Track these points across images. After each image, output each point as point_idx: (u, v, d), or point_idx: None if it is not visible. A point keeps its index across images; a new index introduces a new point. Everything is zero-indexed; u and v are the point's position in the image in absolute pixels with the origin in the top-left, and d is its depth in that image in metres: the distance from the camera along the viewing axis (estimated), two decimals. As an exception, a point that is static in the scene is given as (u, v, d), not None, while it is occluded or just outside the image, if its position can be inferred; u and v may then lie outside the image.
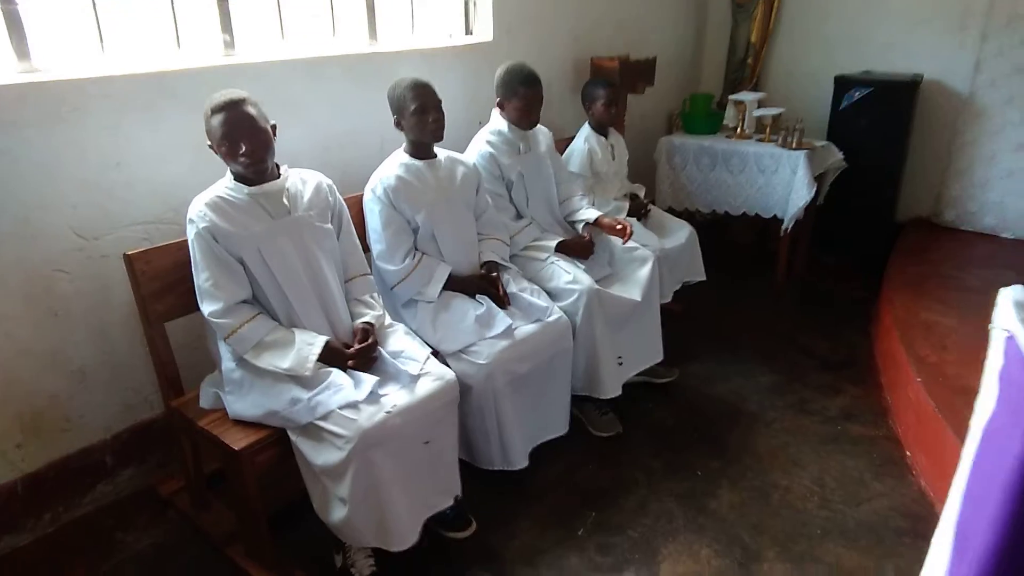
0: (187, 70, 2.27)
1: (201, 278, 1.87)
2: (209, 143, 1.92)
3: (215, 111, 1.84)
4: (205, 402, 2.02)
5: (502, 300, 2.42)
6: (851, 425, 2.84)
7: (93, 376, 2.25)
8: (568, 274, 2.63)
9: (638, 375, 2.89)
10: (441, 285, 2.38)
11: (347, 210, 2.21)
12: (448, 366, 2.20)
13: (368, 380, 1.86)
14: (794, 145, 3.81)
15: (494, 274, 2.49)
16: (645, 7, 4.21)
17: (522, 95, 2.67)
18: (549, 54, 3.53)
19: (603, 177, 3.33)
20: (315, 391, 1.80)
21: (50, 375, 2.15)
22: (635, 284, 2.81)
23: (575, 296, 2.58)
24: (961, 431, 2.45)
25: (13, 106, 1.92)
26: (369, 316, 2.09)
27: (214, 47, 2.45)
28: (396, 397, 1.87)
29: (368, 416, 1.77)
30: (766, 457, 2.64)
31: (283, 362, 1.84)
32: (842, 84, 4.11)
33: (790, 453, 2.66)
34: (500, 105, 2.76)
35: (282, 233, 1.96)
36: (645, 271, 2.84)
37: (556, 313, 2.48)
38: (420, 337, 2.26)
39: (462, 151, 2.70)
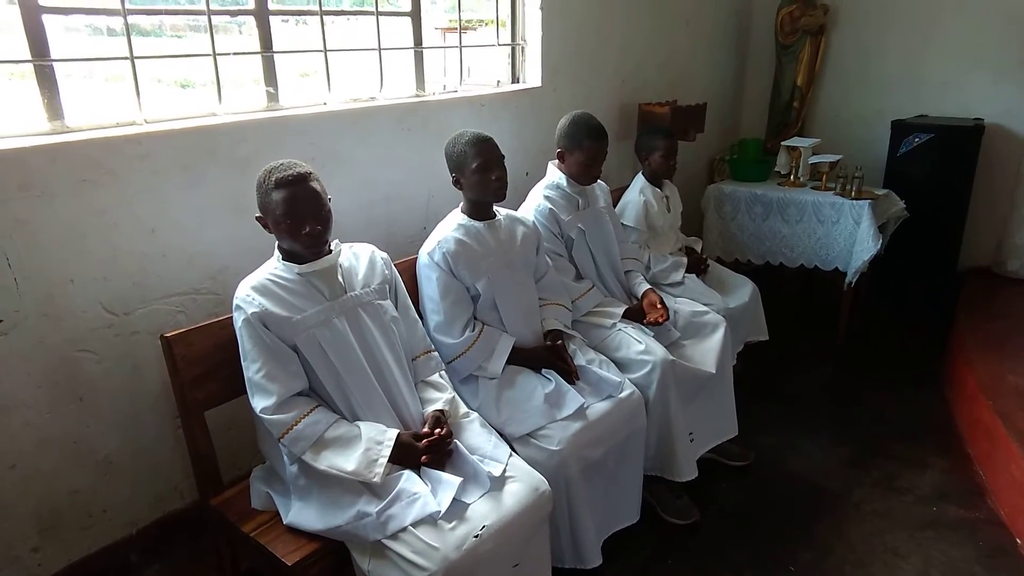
0: (228, 124, 2.08)
1: (252, 369, 1.64)
2: (260, 216, 1.70)
3: (279, 185, 1.64)
4: (257, 502, 1.77)
5: (571, 374, 2.18)
6: (947, 506, 2.56)
7: (119, 466, 2.01)
8: (639, 343, 2.40)
9: (708, 452, 2.63)
10: (505, 359, 2.15)
11: (402, 282, 1.99)
12: (516, 452, 1.96)
13: (448, 485, 1.60)
14: (854, 194, 3.60)
15: (560, 342, 2.26)
16: (686, 49, 4.05)
17: (587, 148, 2.47)
18: (597, 99, 3.35)
19: (659, 231, 3.11)
20: (385, 502, 1.55)
21: (72, 467, 1.92)
22: (707, 353, 2.57)
23: (648, 368, 2.34)
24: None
25: (42, 170, 1.72)
26: (440, 402, 1.84)
27: (257, 100, 2.26)
28: (484, 511, 1.61)
29: (454, 542, 1.51)
30: (860, 546, 2.36)
31: (347, 464, 1.60)
32: (900, 129, 3.91)
33: (886, 541, 2.39)
34: (560, 157, 2.56)
35: (339, 315, 1.73)
36: (717, 338, 2.60)
37: (629, 388, 2.24)
38: (483, 418, 2.02)
39: (511, 206, 2.49)
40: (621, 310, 2.52)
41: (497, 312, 2.20)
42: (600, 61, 3.39)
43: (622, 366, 2.37)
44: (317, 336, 1.69)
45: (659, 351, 2.37)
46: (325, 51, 2.39)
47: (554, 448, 1.98)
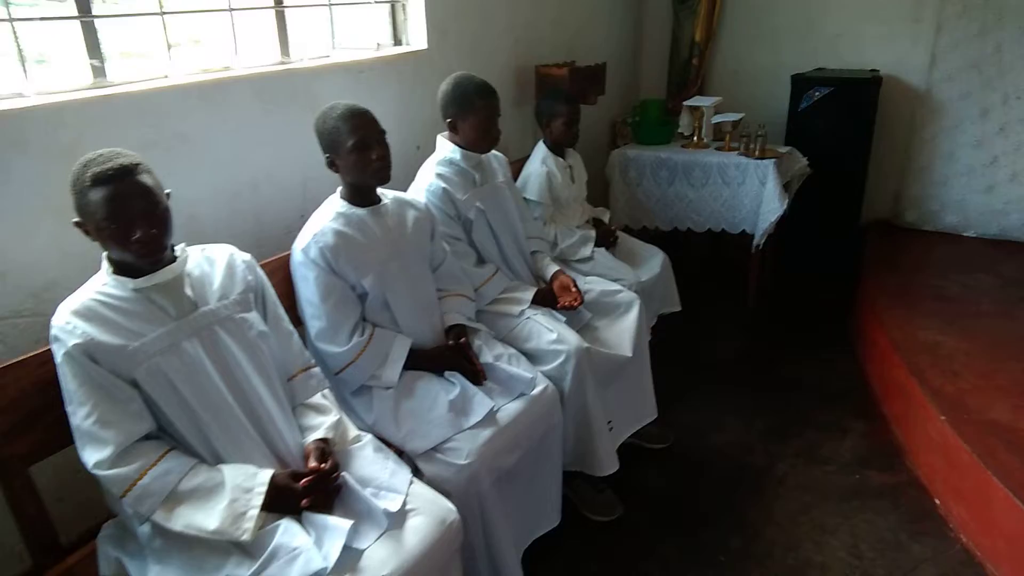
0: (42, 107, 1.68)
1: (79, 416, 1.31)
2: (79, 221, 1.36)
3: (97, 182, 1.29)
4: (107, 569, 1.45)
5: (477, 374, 1.95)
6: (869, 472, 2.53)
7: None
8: (551, 332, 2.18)
9: (628, 437, 2.48)
10: (401, 364, 1.88)
11: (271, 288, 1.68)
12: (419, 471, 1.72)
13: (336, 532, 1.33)
14: (758, 153, 3.51)
15: (464, 340, 2.02)
16: (582, 5, 3.81)
17: (480, 108, 2.21)
18: (490, 61, 3.07)
19: (564, 203, 2.90)
20: (259, 564, 1.27)
21: None
22: (622, 334, 2.39)
23: (562, 358, 2.13)
24: (1005, 477, 2.18)
25: None
26: (323, 428, 1.56)
27: (79, 75, 1.86)
28: (382, 557, 1.35)
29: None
30: (789, 525, 2.28)
31: (209, 521, 1.30)
32: (800, 83, 3.85)
33: (814, 517, 2.31)
34: (451, 126, 2.29)
35: (189, 336, 1.42)
36: (632, 318, 2.43)
37: (542, 382, 2.03)
38: (379, 434, 1.77)
39: (399, 186, 2.21)
40: (530, 295, 2.30)
41: (389, 311, 1.93)
42: (491, 19, 3.10)
43: (533, 358, 2.15)
44: (162, 366, 1.37)
45: (573, 339, 2.16)
46: (162, 13, 2.00)
47: (463, 462, 1.75)
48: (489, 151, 2.38)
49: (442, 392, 1.87)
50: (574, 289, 2.36)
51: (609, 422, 2.31)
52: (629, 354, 2.35)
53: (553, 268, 2.47)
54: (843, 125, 3.82)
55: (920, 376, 2.63)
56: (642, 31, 4.56)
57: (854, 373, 3.17)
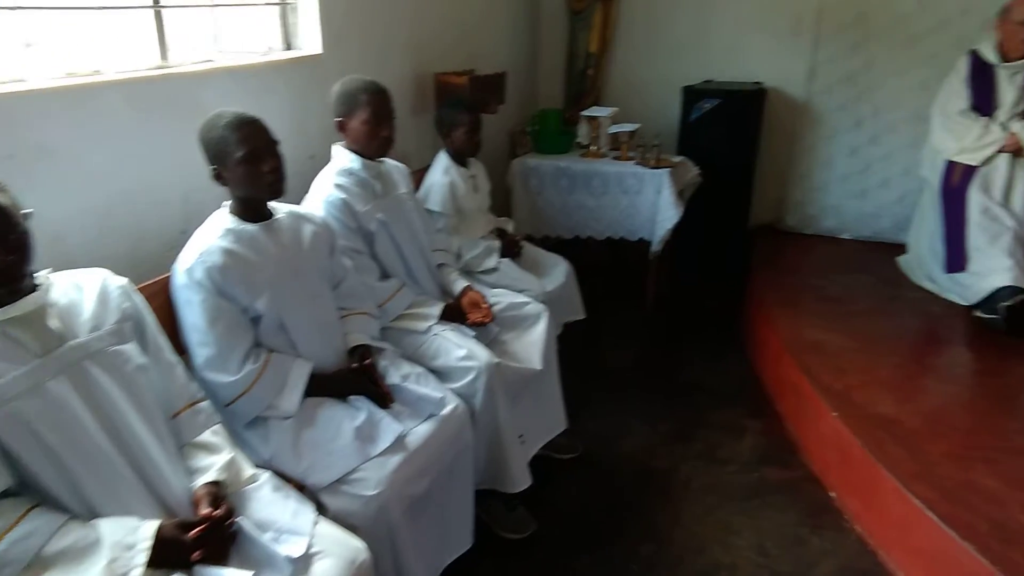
0: None
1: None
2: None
3: None
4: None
5: (384, 397, 1.86)
6: (768, 469, 2.62)
7: None
8: (460, 348, 2.12)
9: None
10: (301, 391, 1.76)
11: (150, 314, 1.53)
12: (324, 506, 1.61)
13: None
14: (653, 163, 3.60)
15: (368, 361, 1.92)
16: (481, 13, 3.78)
17: (366, 103, 2.14)
18: (388, 68, 2.97)
19: (467, 214, 2.85)
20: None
21: None
22: (531, 347, 2.37)
23: (472, 375, 2.07)
24: (893, 468, 2.31)
25: None
26: (214, 469, 1.42)
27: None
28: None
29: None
30: (697, 528, 2.32)
31: None
32: (690, 95, 3.99)
33: (720, 517, 2.37)
34: (341, 126, 2.19)
35: (55, 375, 1.25)
36: (540, 330, 2.41)
37: (452, 401, 1.96)
38: (278, 468, 1.65)
39: (293, 198, 2.09)
40: (437, 310, 2.23)
41: (286, 334, 1.80)
42: (390, 25, 3.01)
43: (442, 375, 2.08)
44: (22, 411, 1.20)
45: (483, 355, 2.11)
46: (18, 8, 1.78)
47: (371, 493, 1.65)
48: (382, 155, 2.28)
49: (346, 419, 1.76)
50: (484, 305, 2.31)
51: (521, 436, 2.28)
52: (539, 367, 2.33)
53: (461, 283, 2.41)
54: (731, 135, 3.98)
55: (809, 374, 2.76)
56: (539, 41, 4.58)
57: (748, 373, 3.29)
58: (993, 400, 2.66)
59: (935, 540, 2.00)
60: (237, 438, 1.69)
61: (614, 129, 3.78)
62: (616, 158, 3.74)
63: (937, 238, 3.39)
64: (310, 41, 2.65)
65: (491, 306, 2.33)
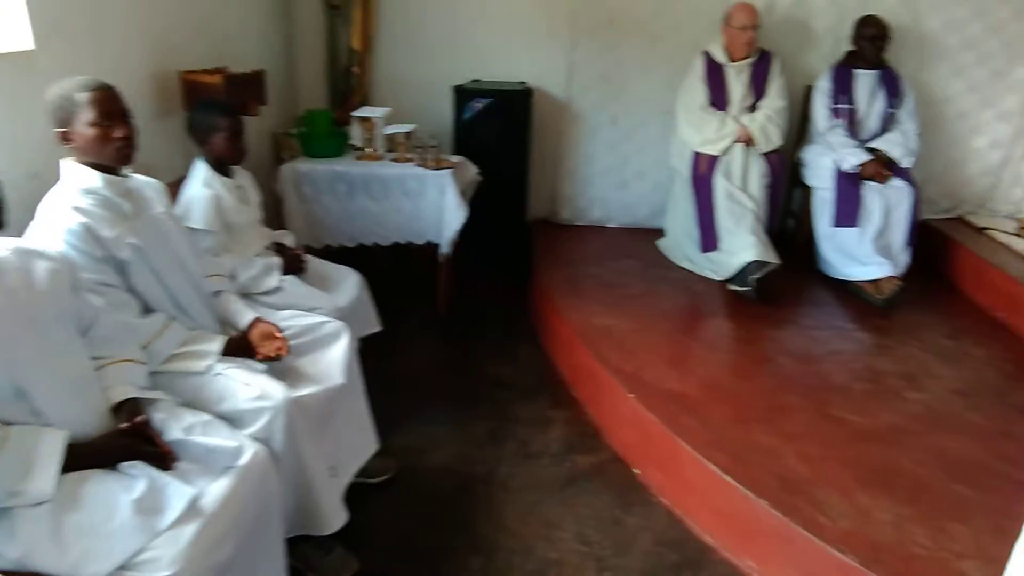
0: None
1: None
2: None
3: None
4: None
5: (165, 458, 1.56)
6: (577, 457, 2.69)
7: None
8: (249, 387, 1.86)
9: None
10: (56, 468, 1.41)
11: None
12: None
13: None
14: (433, 164, 3.53)
15: (140, 418, 1.60)
16: (226, 6, 3.41)
17: (88, 102, 1.77)
18: (121, 67, 2.53)
19: (238, 229, 2.56)
20: None
21: None
22: (332, 365, 2.17)
23: (267, 417, 1.82)
24: (689, 438, 2.48)
25: None
26: None
27: None
28: None
29: None
30: (520, 529, 2.30)
31: None
32: (461, 94, 3.97)
33: (540, 514, 2.38)
34: (64, 137, 1.81)
35: None
36: (341, 347, 2.22)
37: (249, 448, 1.71)
38: (34, 568, 1.31)
39: (17, 231, 1.69)
40: (217, 346, 1.94)
41: (27, 401, 1.44)
42: (120, 17, 2.55)
43: (233, 421, 1.81)
44: None
45: (277, 391, 1.87)
46: None
47: (166, 574, 1.37)
48: (125, 161, 1.88)
49: (122, 492, 1.45)
50: (278, 336, 2.05)
51: (331, 467, 2.08)
52: (342, 380, 2.14)
53: (248, 314, 2.13)
54: (503, 134, 4.04)
55: (603, 359, 2.89)
56: (295, 37, 4.27)
57: (545, 364, 3.36)
58: (755, 364, 3.00)
59: (733, 500, 2.19)
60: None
61: (390, 130, 3.64)
62: (394, 160, 3.60)
63: (691, 221, 3.75)
64: (17, 33, 2.16)
65: (285, 337, 2.09)
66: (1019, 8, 3.96)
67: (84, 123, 1.78)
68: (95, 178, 1.84)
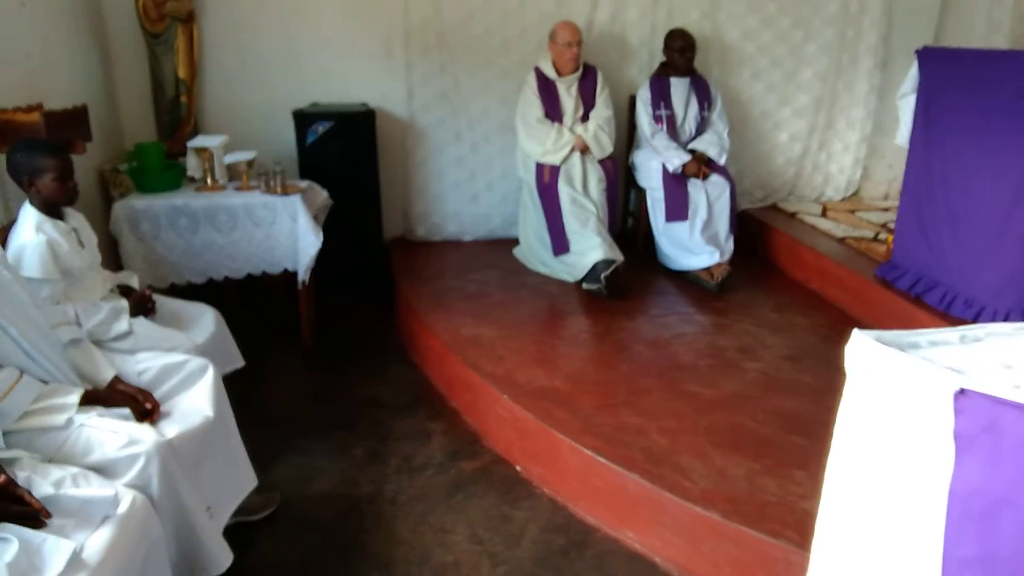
0: None
1: None
2: None
3: None
4: None
5: (36, 515, 1.46)
6: (461, 463, 2.77)
7: None
8: (116, 435, 1.77)
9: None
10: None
11: None
12: None
13: None
14: (280, 190, 3.46)
15: (0, 478, 1.48)
16: (34, 40, 3.16)
17: None
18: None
19: (78, 274, 2.39)
20: None
21: None
22: (199, 399, 2.10)
23: (141, 463, 1.75)
24: (563, 429, 2.63)
25: None
26: None
27: None
28: None
29: None
30: (414, 539, 2.35)
31: None
32: (301, 119, 3.94)
33: (432, 522, 2.43)
34: None
35: None
36: (207, 381, 2.15)
37: (126, 495, 1.63)
38: None
39: None
40: (75, 398, 1.82)
41: None
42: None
43: (105, 471, 1.72)
44: None
45: (148, 436, 1.79)
46: None
47: (49, 642, 1.29)
48: None
49: (-12, 561, 1.34)
50: (141, 399, 1.97)
51: (208, 508, 2.01)
52: (211, 413, 2.07)
53: (108, 371, 2.01)
54: (349, 155, 4.05)
55: (475, 367, 2.99)
56: (114, 68, 4.02)
57: (417, 379, 3.41)
58: (613, 353, 3.24)
59: (608, 479, 2.37)
60: None
61: (230, 159, 3.54)
62: (238, 189, 3.50)
63: (542, 228, 3.96)
64: None
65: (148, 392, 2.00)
66: (797, 17, 4.59)
67: None
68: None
